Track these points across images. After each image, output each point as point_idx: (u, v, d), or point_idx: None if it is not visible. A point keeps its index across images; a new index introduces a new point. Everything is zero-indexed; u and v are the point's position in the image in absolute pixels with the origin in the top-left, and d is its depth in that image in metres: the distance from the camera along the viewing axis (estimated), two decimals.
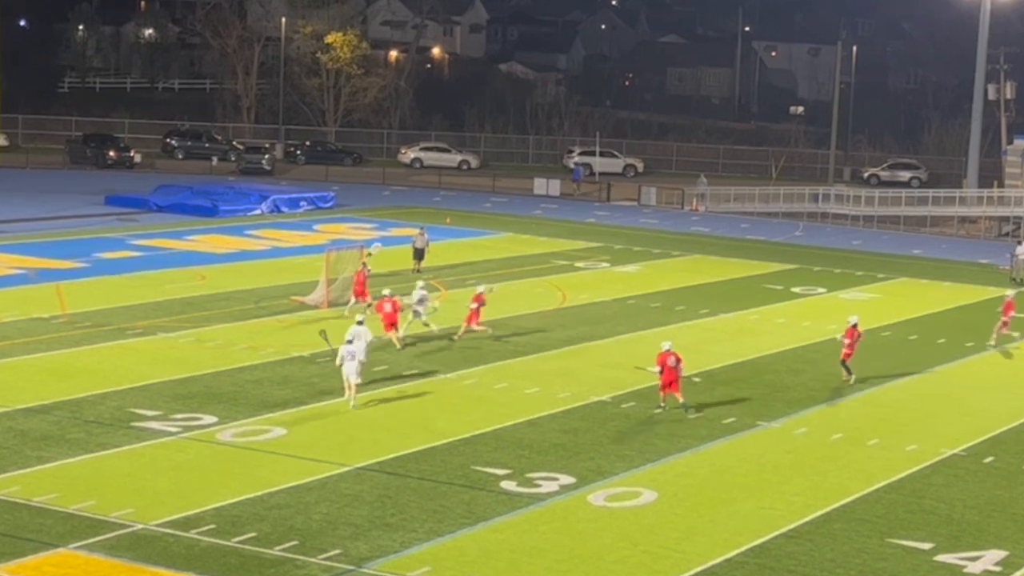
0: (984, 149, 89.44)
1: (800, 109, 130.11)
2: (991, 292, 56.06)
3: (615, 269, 59.19)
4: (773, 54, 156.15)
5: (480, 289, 43.88)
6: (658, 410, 35.48)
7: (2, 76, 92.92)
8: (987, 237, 79.29)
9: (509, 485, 29.28)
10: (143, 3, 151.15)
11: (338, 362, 34.80)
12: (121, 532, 25.54)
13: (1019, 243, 63.94)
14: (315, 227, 66.66)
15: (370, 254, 48.99)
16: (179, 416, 33.20)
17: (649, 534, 26.83)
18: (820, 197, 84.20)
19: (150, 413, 33.33)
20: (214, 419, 33.12)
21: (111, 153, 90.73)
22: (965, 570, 25.85)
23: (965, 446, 34.02)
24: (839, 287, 57.01)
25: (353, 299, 45.67)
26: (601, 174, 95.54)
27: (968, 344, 46.36)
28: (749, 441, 33.69)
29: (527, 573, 24.77)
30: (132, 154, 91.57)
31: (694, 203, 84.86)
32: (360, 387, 34.98)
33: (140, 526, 25.88)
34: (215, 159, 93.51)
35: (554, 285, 54.01)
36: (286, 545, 25.28)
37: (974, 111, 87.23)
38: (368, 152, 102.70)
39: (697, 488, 29.83)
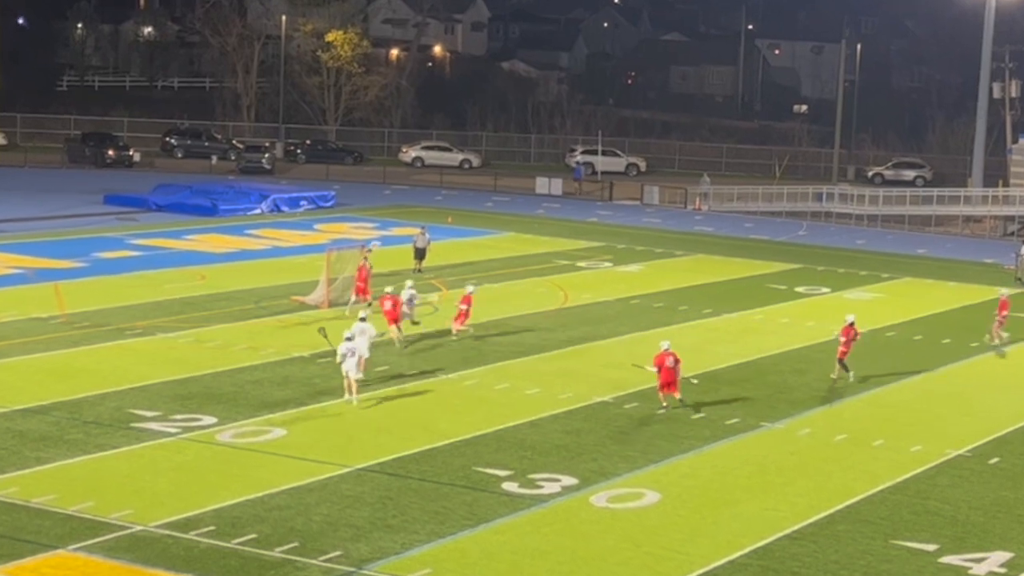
0: (989, 148, 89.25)
1: (804, 108, 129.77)
2: (996, 292, 55.78)
3: (617, 269, 59.01)
4: (776, 52, 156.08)
5: (469, 290, 43.75)
6: (661, 411, 35.32)
7: (1, 74, 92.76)
8: (992, 236, 79.07)
9: (511, 486, 29.13)
10: (142, 1, 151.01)
11: (338, 359, 34.67)
12: (120, 533, 25.41)
13: None
14: (315, 226, 66.49)
15: (370, 251, 48.87)
16: (178, 417, 33.06)
17: (652, 536, 26.68)
18: (824, 196, 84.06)
19: (149, 414, 33.18)
20: (214, 420, 32.98)
21: (110, 152, 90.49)
22: (970, 572, 25.71)
23: (970, 447, 33.85)
24: (843, 287, 56.83)
25: (354, 297, 45.57)
26: (603, 173, 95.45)
27: (973, 344, 46.19)
28: (752, 442, 33.53)
29: (529, 575, 24.62)
30: (131, 153, 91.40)
31: (697, 202, 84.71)
32: (361, 387, 34.86)
33: (139, 527, 25.75)
34: (215, 158, 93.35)
35: (556, 285, 53.84)
36: (286, 547, 25.15)
37: (979, 109, 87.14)
38: (369, 151, 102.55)
39: (700, 489, 29.68)
